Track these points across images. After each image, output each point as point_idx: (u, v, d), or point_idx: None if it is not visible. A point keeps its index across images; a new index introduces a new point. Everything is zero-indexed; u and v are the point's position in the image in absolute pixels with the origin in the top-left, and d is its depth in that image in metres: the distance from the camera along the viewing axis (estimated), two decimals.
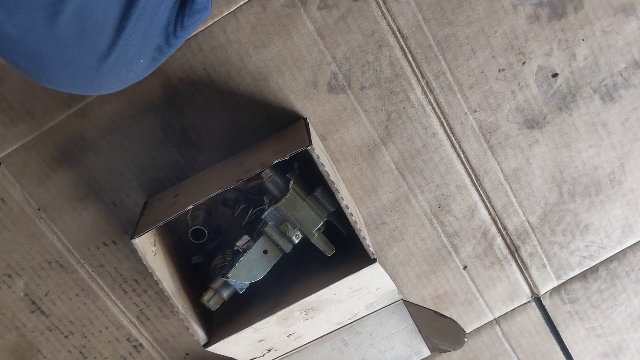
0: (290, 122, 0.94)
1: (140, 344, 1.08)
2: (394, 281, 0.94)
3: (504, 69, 0.93)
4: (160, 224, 0.81)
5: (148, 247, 0.85)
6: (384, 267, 1.04)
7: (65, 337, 1.06)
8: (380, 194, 1.00)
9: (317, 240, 0.87)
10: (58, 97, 0.90)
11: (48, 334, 1.06)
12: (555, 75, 0.93)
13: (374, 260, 0.86)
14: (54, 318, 1.05)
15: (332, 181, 0.81)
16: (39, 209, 0.97)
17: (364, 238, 0.85)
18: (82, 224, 0.98)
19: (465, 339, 0.99)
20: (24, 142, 0.93)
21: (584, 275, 1.07)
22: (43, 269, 1.01)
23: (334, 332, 0.99)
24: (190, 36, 0.84)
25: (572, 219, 1.02)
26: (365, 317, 0.99)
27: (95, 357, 1.08)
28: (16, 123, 0.91)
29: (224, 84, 0.91)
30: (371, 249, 0.86)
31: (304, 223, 0.85)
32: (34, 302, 1.03)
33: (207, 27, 0.87)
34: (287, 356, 1.00)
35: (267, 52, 0.89)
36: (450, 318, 0.98)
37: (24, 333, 1.06)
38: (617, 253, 1.06)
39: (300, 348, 1.00)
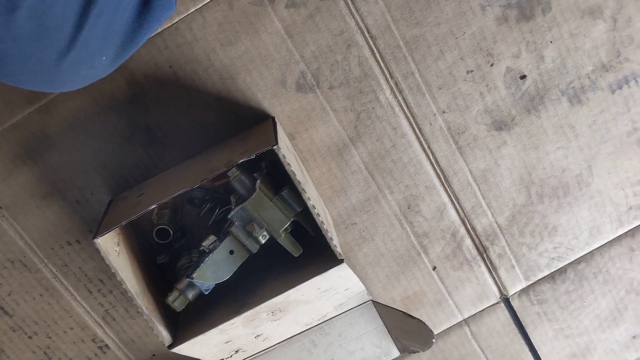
0: (258, 121, 0.93)
1: (106, 345, 1.06)
2: (363, 282, 0.94)
3: (472, 71, 0.93)
4: (124, 223, 0.80)
5: (111, 246, 0.84)
6: (354, 267, 1.04)
7: (29, 337, 1.05)
8: (350, 194, 0.99)
9: (284, 240, 0.86)
10: (19, 94, 0.88)
11: (12, 334, 1.04)
12: (523, 77, 0.94)
13: (342, 261, 0.86)
14: (18, 318, 1.03)
15: (299, 181, 0.80)
16: (1, 207, 0.95)
17: (331, 239, 0.84)
18: (46, 223, 0.96)
19: (434, 340, 0.99)
20: None
21: (552, 277, 1.07)
22: (6, 268, 0.99)
23: (302, 333, 0.99)
24: (155, 33, 0.83)
25: (541, 221, 1.03)
26: (334, 318, 0.98)
27: (60, 358, 1.06)
28: None
29: (190, 81, 0.90)
30: (338, 249, 0.85)
31: (270, 223, 0.85)
32: None
33: (173, 24, 0.86)
34: (255, 357, 0.99)
35: (234, 50, 0.88)
36: (418, 319, 0.98)
37: None
38: (585, 255, 1.07)
39: (268, 349, 0.99)
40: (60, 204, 0.95)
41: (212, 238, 0.87)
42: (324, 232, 0.84)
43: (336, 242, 0.85)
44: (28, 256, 0.98)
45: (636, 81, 0.95)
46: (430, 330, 0.99)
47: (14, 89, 0.87)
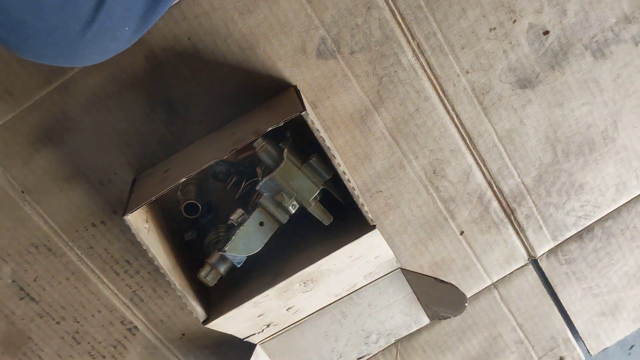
0: (279, 91, 0.91)
1: (135, 327, 1.05)
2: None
3: (495, 28, 0.91)
4: (153, 198, 0.79)
5: (141, 223, 0.82)
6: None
7: (57, 323, 1.04)
8: (374, 162, 0.98)
9: (315, 209, 0.85)
10: (37, 73, 0.86)
11: (39, 321, 1.03)
12: (546, 32, 0.92)
13: (374, 227, 0.85)
14: (44, 304, 1.02)
15: (329, 147, 0.79)
16: (22, 192, 0.94)
17: (363, 204, 0.83)
18: (69, 205, 0.95)
19: (466, 304, 0.98)
20: (4, 122, 0.89)
21: (579, 236, 1.07)
22: (30, 253, 0.98)
23: (332, 305, 0.98)
24: (173, 3, 0.81)
25: (567, 179, 1.02)
26: (364, 288, 0.98)
27: (89, 342, 1.06)
28: None
29: (210, 53, 0.88)
30: (370, 215, 0.84)
31: (300, 192, 0.84)
32: (22, 289, 1.00)
33: None
34: (285, 331, 0.98)
35: (253, 19, 0.87)
36: (450, 284, 0.97)
37: (14, 321, 1.03)
38: (612, 211, 1.06)
39: (298, 322, 0.98)
40: (83, 185, 0.94)
41: (239, 211, 0.86)
42: (355, 198, 0.83)
43: (367, 208, 0.84)
44: (52, 240, 0.97)
45: None
46: (463, 294, 0.99)
47: (31, 69, 0.86)
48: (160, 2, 0.67)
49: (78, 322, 1.04)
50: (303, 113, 0.77)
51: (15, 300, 1.01)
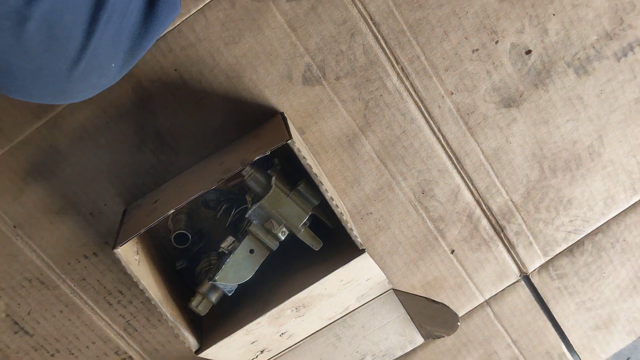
0: (267, 118, 0.92)
1: (130, 357, 1.05)
2: (382, 271, 0.93)
3: (477, 49, 0.92)
4: (142, 231, 0.79)
5: (131, 255, 0.83)
6: (372, 257, 1.03)
7: (52, 355, 1.04)
8: (363, 184, 0.99)
9: (304, 235, 0.86)
10: (26, 109, 0.87)
11: (34, 354, 1.03)
12: (528, 52, 0.93)
13: (363, 251, 0.85)
14: (39, 337, 1.02)
15: (315, 174, 0.80)
16: (14, 227, 0.94)
17: (351, 229, 0.84)
18: (61, 238, 0.95)
19: (459, 323, 0.99)
20: None
21: (570, 250, 1.07)
22: (23, 287, 0.98)
23: (326, 328, 0.98)
24: (159, 37, 0.82)
25: (555, 195, 1.03)
26: (357, 310, 0.98)
27: None
28: None
29: (197, 83, 0.89)
30: (359, 239, 0.85)
31: (289, 219, 0.84)
32: (16, 323, 1.00)
33: (176, 27, 0.85)
34: (280, 356, 0.98)
35: (239, 49, 0.88)
36: (442, 303, 0.97)
37: (8, 355, 1.02)
38: (601, 225, 1.06)
39: (293, 347, 0.98)
40: (74, 218, 0.94)
41: (230, 239, 0.87)
42: (343, 223, 0.83)
43: (356, 232, 0.85)
44: (45, 273, 0.97)
45: None
46: (455, 314, 0.99)
47: (20, 105, 0.86)
48: (146, 37, 0.68)
49: (72, 354, 1.04)
50: (289, 142, 0.77)
51: (9, 335, 1.01)
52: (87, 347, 1.03)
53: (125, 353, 1.05)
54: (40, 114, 0.88)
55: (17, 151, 0.90)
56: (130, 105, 0.89)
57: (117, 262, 0.95)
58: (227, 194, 0.94)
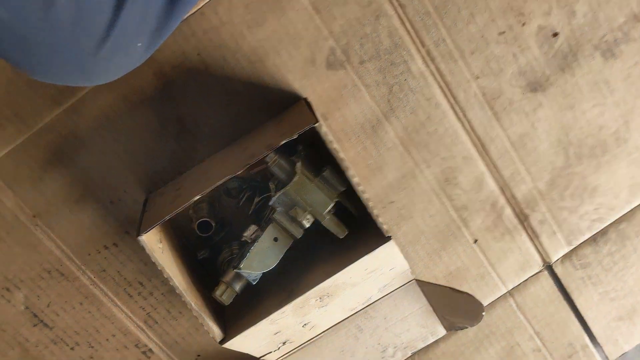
0: (289, 104, 0.90)
1: (150, 349, 1.04)
2: None
3: (504, 32, 0.90)
4: (167, 217, 0.78)
5: (155, 243, 0.81)
6: None
7: (71, 348, 1.02)
8: (386, 172, 0.97)
9: (329, 222, 0.84)
10: (46, 95, 0.86)
11: (53, 347, 1.01)
12: (555, 34, 0.92)
13: (389, 238, 0.84)
14: (58, 330, 1.00)
15: (342, 158, 0.78)
16: (34, 216, 0.92)
17: (377, 216, 0.82)
18: (81, 228, 0.94)
19: (483, 314, 0.97)
20: (14, 146, 0.88)
21: (594, 239, 1.06)
22: (43, 279, 0.96)
23: (348, 319, 0.97)
24: (184, 17, 0.80)
25: (580, 182, 1.01)
26: (379, 301, 0.96)
27: None
28: (4, 126, 0.87)
29: (220, 68, 0.87)
30: (385, 226, 0.83)
31: (314, 206, 0.83)
32: (35, 315, 0.99)
33: (198, 10, 0.83)
34: (301, 348, 0.97)
35: (262, 32, 0.86)
36: (466, 293, 0.96)
37: (28, 348, 1.01)
38: (626, 213, 1.05)
39: (314, 338, 0.97)
40: (94, 206, 0.93)
41: (253, 228, 0.85)
42: (369, 210, 0.82)
43: (382, 219, 0.83)
44: (65, 264, 0.96)
45: None
46: (480, 303, 0.98)
47: (40, 91, 0.85)
48: (172, 17, 0.66)
49: (92, 347, 1.02)
50: (316, 125, 0.76)
51: (28, 327, 1.00)
52: (107, 340, 1.02)
53: (145, 346, 1.03)
54: (60, 100, 0.86)
55: (37, 138, 0.88)
56: (152, 91, 0.87)
57: (138, 251, 0.95)
58: (249, 182, 0.92)
